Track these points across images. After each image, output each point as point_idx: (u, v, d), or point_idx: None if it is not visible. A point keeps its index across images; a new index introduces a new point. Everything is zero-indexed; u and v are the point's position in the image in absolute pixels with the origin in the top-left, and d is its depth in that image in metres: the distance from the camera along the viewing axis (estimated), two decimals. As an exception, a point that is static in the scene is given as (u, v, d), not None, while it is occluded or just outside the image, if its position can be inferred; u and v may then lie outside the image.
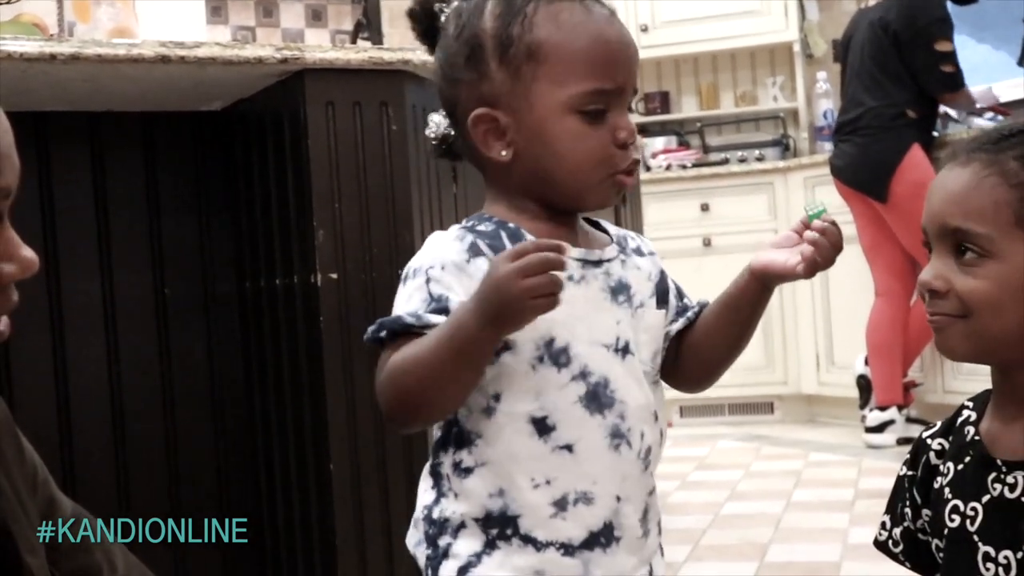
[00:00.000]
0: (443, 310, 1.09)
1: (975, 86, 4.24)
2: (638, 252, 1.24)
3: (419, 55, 1.93)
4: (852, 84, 4.23)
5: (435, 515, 1.16)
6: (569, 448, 1.12)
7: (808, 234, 1.16)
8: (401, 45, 4.14)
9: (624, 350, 1.17)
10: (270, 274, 2.00)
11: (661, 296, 1.24)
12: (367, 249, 1.87)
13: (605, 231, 1.25)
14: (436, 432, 1.18)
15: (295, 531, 1.97)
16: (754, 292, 1.20)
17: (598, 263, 1.18)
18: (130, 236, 2.08)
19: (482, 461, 1.13)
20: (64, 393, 2.00)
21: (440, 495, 1.16)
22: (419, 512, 1.19)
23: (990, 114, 4.26)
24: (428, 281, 1.11)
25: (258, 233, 2.05)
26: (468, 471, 1.14)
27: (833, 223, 1.17)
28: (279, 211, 1.97)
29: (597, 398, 1.14)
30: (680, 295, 1.27)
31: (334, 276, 1.84)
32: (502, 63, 1.15)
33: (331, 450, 1.84)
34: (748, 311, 1.21)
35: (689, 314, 1.25)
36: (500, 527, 1.13)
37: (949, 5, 4.14)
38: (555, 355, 1.13)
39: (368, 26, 5.45)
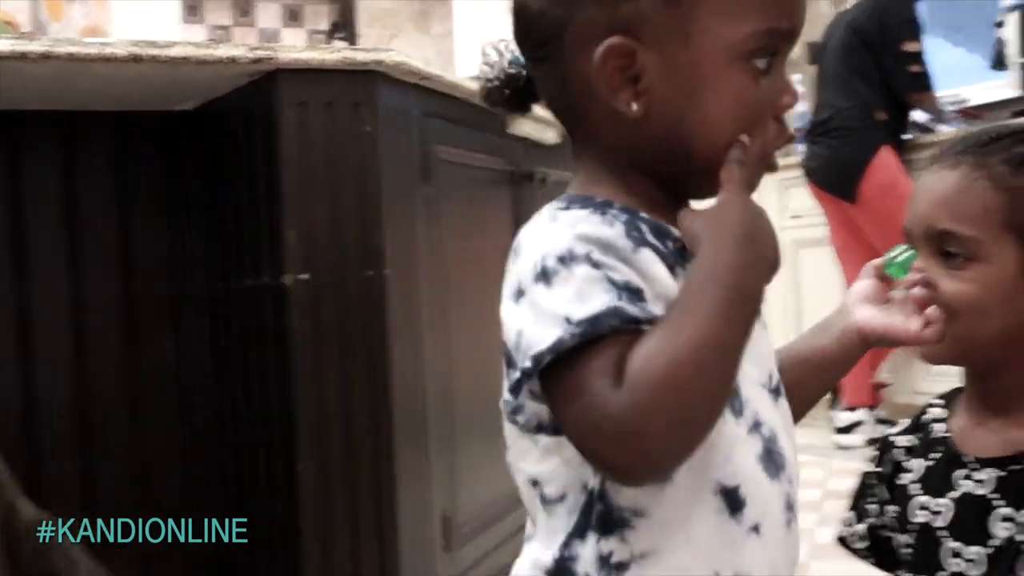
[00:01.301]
0: (642, 302, 0.76)
1: (948, 89, 4.27)
2: None
3: (392, 56, 1.93)
4: (825, 86, 4.27)
5: None
6: (756, 529, 0.82)
7: (917, 291, 1.05)
8: (377, 45, 4.12)
9: (776, 391, 0.90)
10: (241, 274, 2.00)
11: None
12: (338, 250, 1.87)
13: None
14: (558, 513, 0.82)
15: (262, 533, 1.97)
16: (859, 353, 1.06)
17: None
18: (100, 235, 2.07)
19: (645, 552, 0.79)
20: (31, 393, 1.99)
21: None
22: None
23: (958, 120, 4.30)
24: (597, 267, 0.76)
25: (229, 233, 2.05)
26: (623, 568, 0.79)
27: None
28: (250, 211, 1.96)
29: (772, 458, 0.85)
30: None
31: (304, 277, 1.84)
32: None
33: (299, 452, 1.83)
34: (845, 370, 1.07)
35: None
36: None
37: (925, 7, 4.18)
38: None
39: (344, 26, 5.45)
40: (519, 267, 0.79)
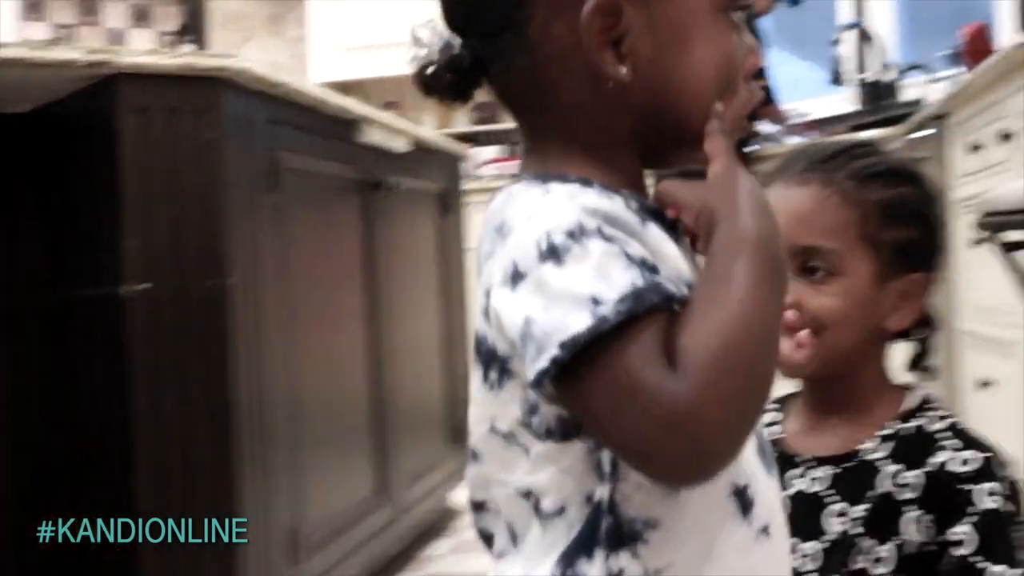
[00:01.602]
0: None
1: (794, 101, 4.42)
2: None
3: (237, 62, 1.90)
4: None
5: None
6: (766, 531, 0.76)
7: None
8: (228, 49, 4.04)
9: None
10: (78, 284, 1.94)
11: None
12: (180, 259, 1.83)
13: None
14: (556, 527, 0.73)
15: (99, 549, 1.91)
16: None
17: None
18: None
19: (660, 568, 0.71)
20: None
21: None
22: None
23: (800, 132, 4.44)
24: (611, 241, 0.69)
25: (67, 242, 1.99)
26: None
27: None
28: (89, 219, 1.91)
29: (765, 452, 0.80)
30: None
31: (144, 286, 1.80)
32: None
33: (136, 467, 1.79)
34: None
35: None
36: None
37: (771, 20, 4.31)
38: None
39: (194, 28, 5.35)
40: (513, 246, 0.70)
